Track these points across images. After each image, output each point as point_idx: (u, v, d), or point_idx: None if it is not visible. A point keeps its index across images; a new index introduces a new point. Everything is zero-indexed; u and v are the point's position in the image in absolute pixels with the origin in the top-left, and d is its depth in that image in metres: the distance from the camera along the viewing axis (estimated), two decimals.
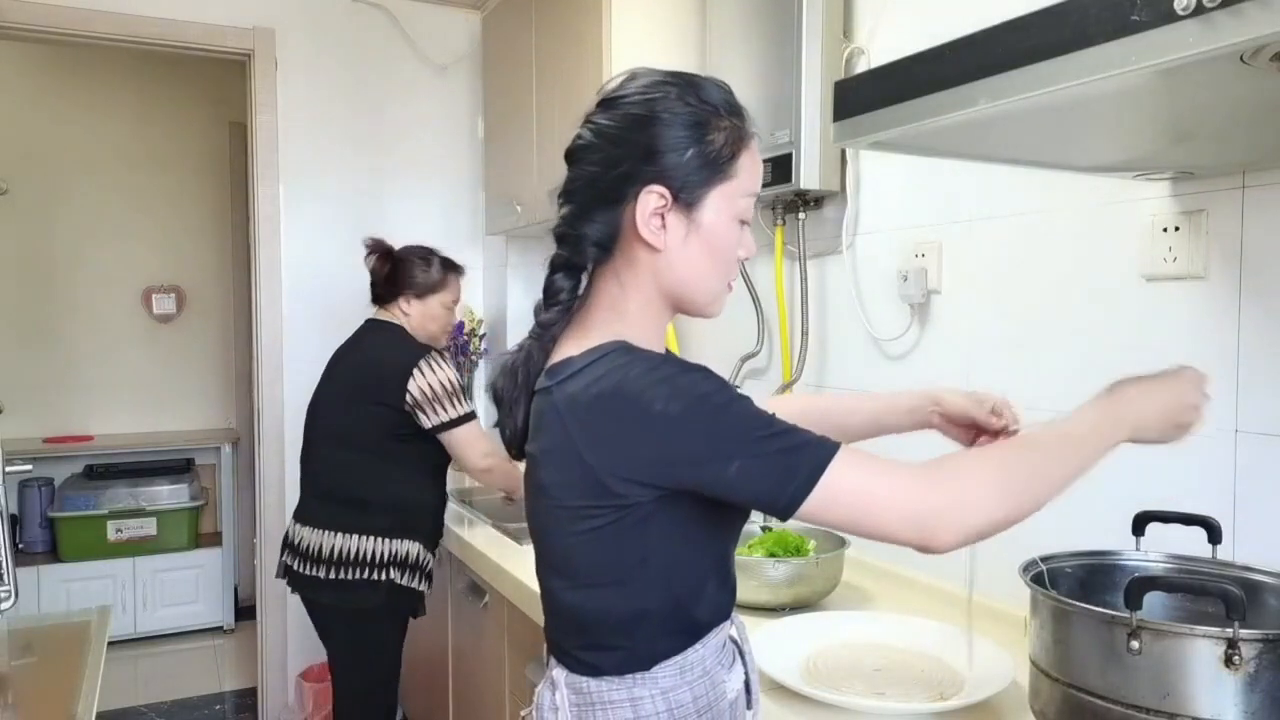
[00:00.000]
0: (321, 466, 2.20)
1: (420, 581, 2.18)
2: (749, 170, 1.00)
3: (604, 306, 1.02)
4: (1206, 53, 0.66)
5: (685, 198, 0.96)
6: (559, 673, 1.01)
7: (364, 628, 2.15)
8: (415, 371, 2.09)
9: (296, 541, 2.18)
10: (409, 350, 2.15)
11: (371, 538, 2.10)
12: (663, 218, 0.97)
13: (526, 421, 1.03)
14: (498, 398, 1.06)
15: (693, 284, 1.00)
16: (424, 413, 2.10)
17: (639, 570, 0.95)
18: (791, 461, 0.87)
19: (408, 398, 2.09)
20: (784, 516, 0.89)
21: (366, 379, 2.15)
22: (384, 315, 2.25)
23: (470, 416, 2.15)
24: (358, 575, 2.09)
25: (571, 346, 0.99)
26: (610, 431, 0.91)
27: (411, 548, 2.14)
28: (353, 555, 2.10)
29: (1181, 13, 0.66)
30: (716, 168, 0.97)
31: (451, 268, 2.28)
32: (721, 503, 0.92)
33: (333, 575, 2.10)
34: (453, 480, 2.83)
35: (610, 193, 0.98)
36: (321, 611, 2.19)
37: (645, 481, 0.91)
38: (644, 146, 0.96)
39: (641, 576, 0.95)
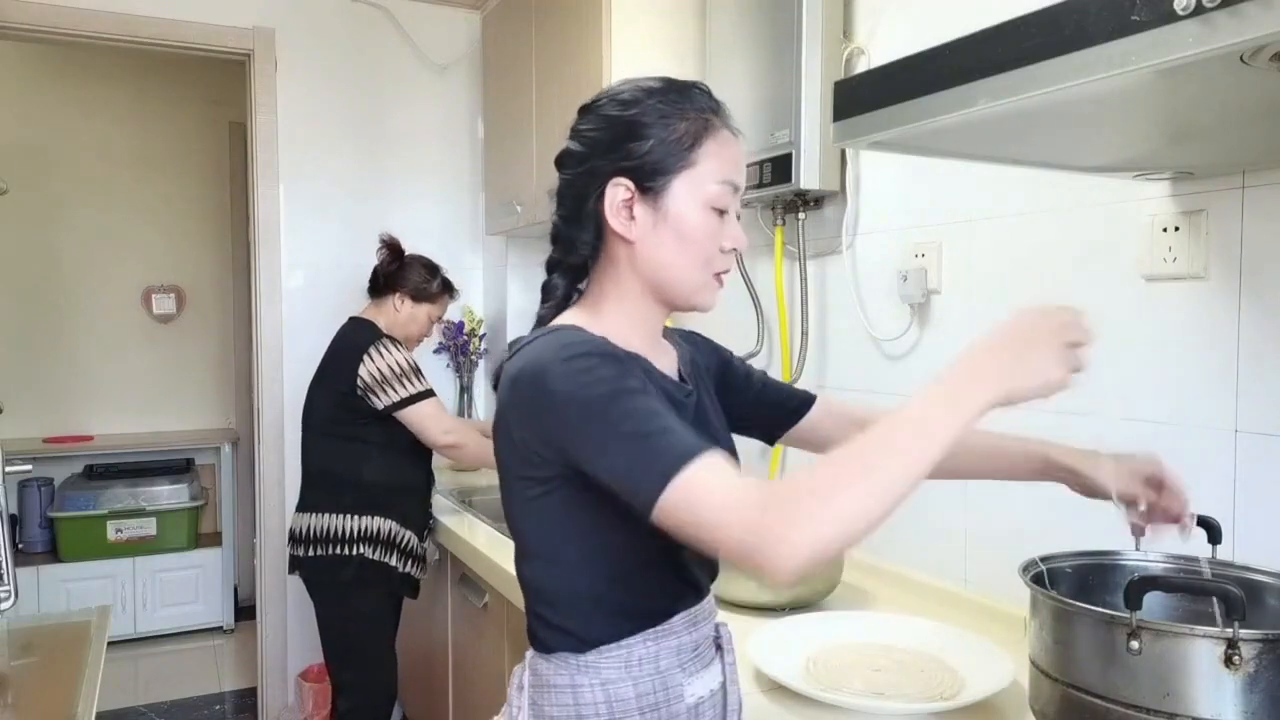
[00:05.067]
0: (304, 454, 2.35)
1: (397, 558, 2.26)
2: (714, 156, 1.00)
3: (586, 301, 1.06)
4: (1206, 53, 0.66)
5: (649, 186, 0.99)
6: (529, 652, 1.04)
7: (342, 603, 2.27)
8: (365, 356, 2.21)
9: (292, 528, 2.32)
10: (364, 336, 2.26)
11: (340, 515, 2.23)
12: (630, 209, 1.00)
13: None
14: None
15: (669, 273, 1.02)
16: (375, 395, 2.20)
17: (570, 546, 0.97)
18: (655, 458, 0.83)
19: (359, 381, 2.20)
20: (645, 514, 0.84)
21: (329, 366, 2.30)
22: (368, 312, 2.37)
23: (425, 394, 2.23)
24: (330, 551, 2.23)
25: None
26: (525, 406, 0.94)
27: (382, 524, 2.24)
28: (324, 533, 2.23)
29: (1181, 13, 0.66)
30: (679, 155, 0.99)
31: (449, 288, 2.44)
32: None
33: (310, 553, 2.25)
34: (455, 479, 2.84)
35: (585, 191, 1.02)
36: (310, 589, 2.32)
37: (550, 457, 0.93)
38: (608, 142, 1.00)
39: (573, 553, 0.97)
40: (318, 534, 2.23)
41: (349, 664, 2.31)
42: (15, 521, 3.85)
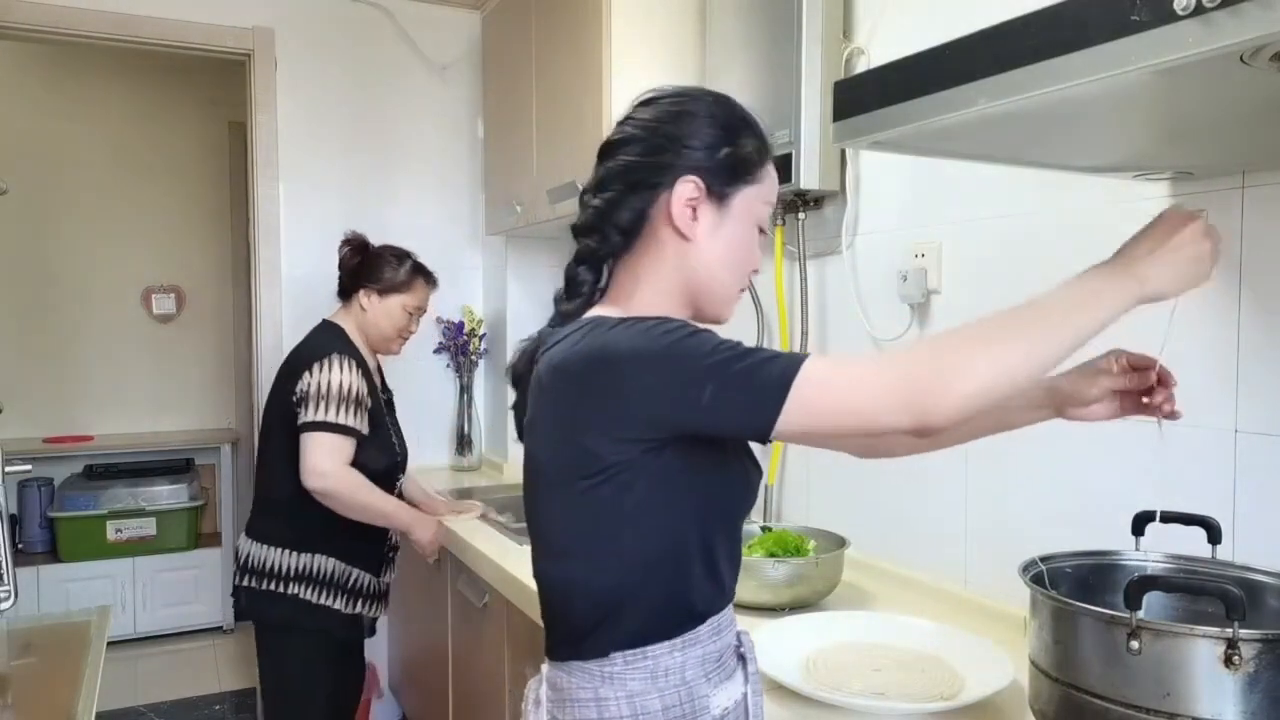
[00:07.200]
0: (255, 478, 2.17)
1: (343, 600, 2.07)
2: (770, 181, 1.05)
3: (613, 296, 1.05)
4: (1206, 53, 0.66)
5: (717, 191, 1.01)
6: (545, 666, 1.03)
7: (273, 643, 2.09)
8: (314, 365, 2.00)
9: (236, 549, 2.14)
10: (323, 345, 2.06)
11: (279, 549, 2.04)
12: (694, 209, 1.01)
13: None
14: (515, 379, 1.09)
15: (713, 278, 1.03)
16: (303, 408, 1.98)
17: (610, 540, 0.96)
18: (762, 373, 0.85)
19: (297, 391, 2.01)
20: (765, 433, 0.85)
21: (280, 376, 2.10)
22: (338, 316, 2.18)
23: (339, 429, 1.97)
24: (263, 586, 2.04)
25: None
26: (589, 389, 0.92)
27: (324, 563, 2.04)
28: (261, 565, 2.04)
29: (1181, 13, 0.66)
30: (746, 169, 1.02)
31: (422, 273, 2.21)
32: (706, 462, 0.95)
33: (245, 583, 2.07)
34: (455, 479, 2.84)
35: (646, 180, 1.01)
36: (251, 621, 2.14)
37: (626, 435, 0.91)
38: (683, 138, 1.01)
39: (620, 547, 0.96)
40: (255, 565, 2.05)
41: (271, 707, 2.13)
42: (15, 521, 3.85)
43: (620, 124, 1.06)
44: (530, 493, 1.03)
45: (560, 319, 1.06)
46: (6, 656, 1.51)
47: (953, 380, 0.79)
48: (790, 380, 0.83)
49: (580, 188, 2.17)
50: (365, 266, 2.15)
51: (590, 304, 1.06)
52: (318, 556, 2.04)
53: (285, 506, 2.03)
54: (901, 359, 0.84)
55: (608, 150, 1.05)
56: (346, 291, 2.18)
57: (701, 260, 1.02)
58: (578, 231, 1.07)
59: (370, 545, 2.12)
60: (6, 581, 1.49)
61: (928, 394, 0.79)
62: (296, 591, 2.03)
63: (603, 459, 0.92)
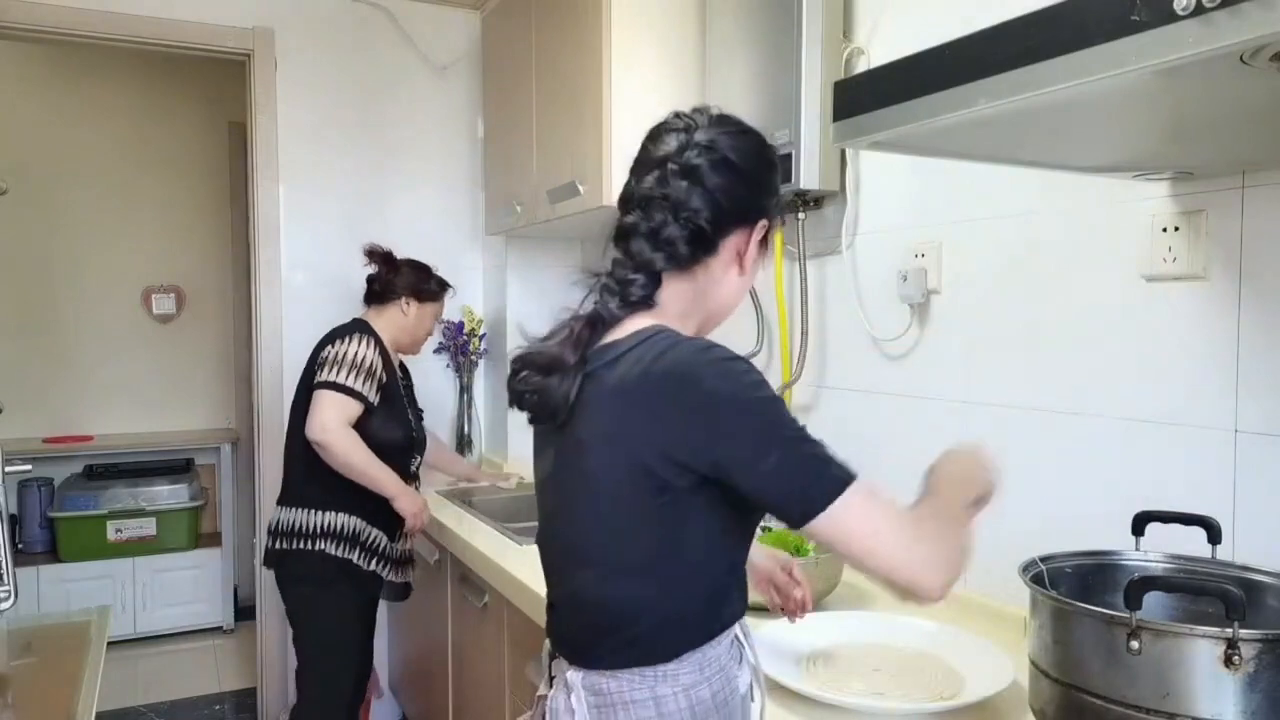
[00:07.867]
0: (284, 449, 2.33)
1: (362, 556, 2.20)
2: None
3: (652, 316, 1.05)
4: (1206, 53, 0.66)
5: (767, 233, 1.09)
6: (574, 674, 1.01)
7: (305, 600, 2.23)
8: (337, 339, 2.19)
9: (269, 520, 2.30)
10: (348, 328, 2.25)
11: (306, 510, 2.20)
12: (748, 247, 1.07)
13: (579, 393, 1.00)
14: (557, 363, 1.01)
15: (732, 306, 1.10)
16: (319, 370, 2.16)
17: (676, 561, 0.97)
18: (821, 470, 0.90)
19: (318, 359, 2.18)
20: (799, 523, 0.90)
21: (310, 358, 2.27)
22: (367, 316, 2.35)
23: (347, 390, 2.12)
24: (295, 546, 2.19)
25: (613, 332, 1.03)
26: (660, 411, 0.93)
27: (345, 520, 2.19)
28: (290, 526, 2.20)
29: (1181, 13, 0.66)
30: (779, 216, 1.11)
31: (445, 286, 2.46)
32: (741, 500, 0.95)
33: (277, 546, 2.23)
34: (452, 480, 2.84)
35: (736, 213, 1.04)
36: (278, 584, 2.29)
37: (688, 464, 0.92)
38: (764, 177, 1.07)
39: (678, 568, 0.97)
40: (285, 528, 2.21)
41: (307, 664, 2.26)
42: (15, 521, 3.85)
43: (706, 147, 1.02)
44: (581, 505, 1.01)
45: (603, 319, 1.03)
46: (6, 656, 1.51)
47: (944, 570, 0.92)
48: (843, 487, 0.89)
49: (580, 188, 2.19)
50: (403, 277, 2.36)
51: (634, 312, 1.04)
52: (340, 514, 2.19)
53: (309, 469, 2.18)
54: (918, 529, 0.93)
55: (695, 172, 1.01)
56: (379, 297, 2.36)
57: (736, 291, 1.08)
58: (648, 239, 1.03)
59: (385, 503, 2.22)
60: (6, 581, 1.49)
61: (926, 572, 0.91)
62: (322, 547, 2.17)
63: (666, 481, 0.93)
